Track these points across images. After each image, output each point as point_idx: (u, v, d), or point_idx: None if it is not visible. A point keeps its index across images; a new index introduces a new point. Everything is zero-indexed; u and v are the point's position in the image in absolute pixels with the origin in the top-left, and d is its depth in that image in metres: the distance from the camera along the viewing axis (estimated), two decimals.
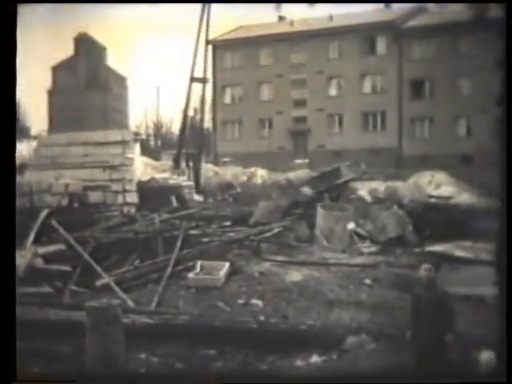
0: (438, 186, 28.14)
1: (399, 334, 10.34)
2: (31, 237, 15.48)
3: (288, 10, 54.55)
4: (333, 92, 57.80)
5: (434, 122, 53.81)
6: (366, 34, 55.55)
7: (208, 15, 30.84)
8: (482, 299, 12.51)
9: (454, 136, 52.99)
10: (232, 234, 17.79)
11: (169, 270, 14.16)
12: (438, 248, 16.60)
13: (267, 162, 43.23)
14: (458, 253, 15.83)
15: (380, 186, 26.09)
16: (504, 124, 9.17)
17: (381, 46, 55.84)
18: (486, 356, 8.62)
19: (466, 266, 15.05)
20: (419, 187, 27.38)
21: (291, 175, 32.97)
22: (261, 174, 35.79)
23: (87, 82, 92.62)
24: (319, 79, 57.36)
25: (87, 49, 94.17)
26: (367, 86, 56.64)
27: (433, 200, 23.85)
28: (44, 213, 16.85)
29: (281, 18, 60.77)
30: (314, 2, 44.33)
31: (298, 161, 51.12)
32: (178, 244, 15.53)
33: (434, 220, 19.52)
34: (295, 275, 14.32)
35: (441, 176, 29.53)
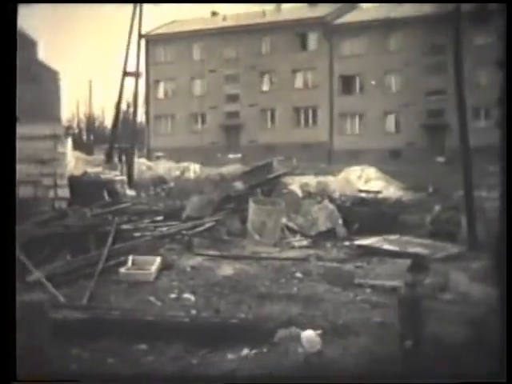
0: (367, 180, 28.62)
1: (330, 326, 10.60)
2: None
3: (221, 5, 54.70)
4: (265, 87, 58.15)
5: (364, 117, 54.62)
6: (297, 30, 56.03)
7: (140, 9, 30.74)
8: None
9: (383, 131, 53.92)
10: (164, 229, 17.82)
11: (100, 265, 14.09)
12: (366, 241, 16.92)
13: (200, 157, 43.25)
14: (386, 246, 16.16)
15: (311, 180, 26.38)
16: (504, 124, 9.18)
17: (312, 42, 56.41)
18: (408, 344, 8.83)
19: (393, 258, 15.36)
20: (349, 182, 27.80)
21: (224, 170, 33.05)
22: (193, 169, 35.79)
23: (18, 76, 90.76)
24: (252, 74, 57.64)
25: (18, 43, 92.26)
26: (299, 82, 57.17)
27: (362, 194, 24.25)
28: None
29: (214, 13, 60.77)
30: (314, 2, 44.60)
31: (231, 155, 51.33)
32: (110, 239, 15.45)
33: (363, 214, 19.94)
34: (227, 269, 14.41)
35: (370, 171, 30.01)
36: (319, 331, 10.03)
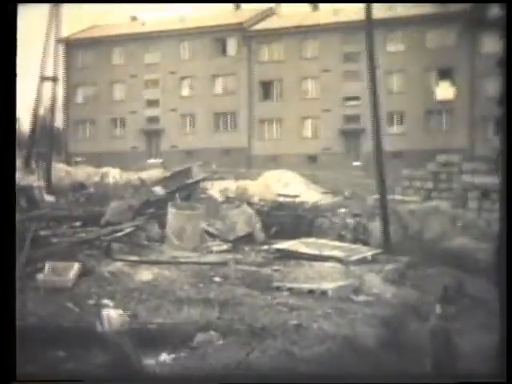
0: (285, 184, 29.00)
1: (247, 329, 10.74)
2: None
3: (141, 10, 54.43)
4: (185, 92, 58.08)
5: (283, 122, 55.19)
6: (216, 36, 56.19)
7: (58, 13, 30.31)
8: (324, 293, 13.11)
9: (300, 136, 54.62)
10: (83, 235, 17.67)
11: (17, 272, 13.90)
12: (284, 245, 17.16)
13: (120, 162, 42.90)
14: (303, 249, 16.41)
15: (231, 185, 26.59)
16: (504, 124, 9.36)
17: (231, 47, 56.68)
18: None
19: (310, 261, 15.63)
20: (268, 186, 28.11)
21: (144, 175, 32.92)
22: (113, 174, 35.50)
23: None
24: (172, 79, 57.54)
25: None
26: (218, 87, 57.30)
27: (281, 199, 24.56)
28: None
29: (133, 18, 60.46)
30: (314, 2, 44.46)
31: (151, 160, 51.08)
32: (27, 245, 15.26)
33: (281, 218, 20.23)
34: (146, 274, 14.41)
35: (288, 175, 30.42)
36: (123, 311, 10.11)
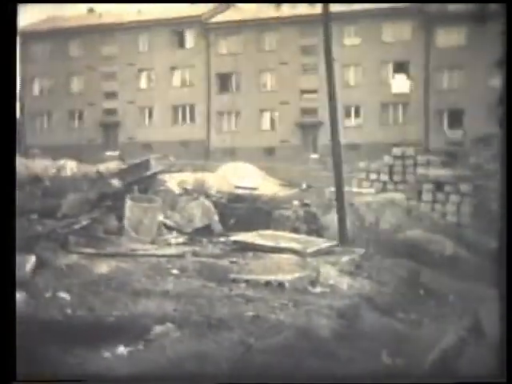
0: (243, 177, 29.06)
1: (204, 321, 10.79)
2: None
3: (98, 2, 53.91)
4: (143, 85, 57.85)
5: (240, 115, 55.29)
6: (174, 28, 56.05)
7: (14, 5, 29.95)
8: (281, 285, 13.21)
9: (258, 129, 54.79)
10: (39, 228, 17.55)
11: None
12: (242, 237, 17.24)
13: (77, 154, 42.60)
14: (260, 241, 16.50)
15: (188, 177, 26.54)
16: (504, 124, 9.24)
17: (189, 40, 56.57)
18: None
19: (267, 253, 15.72)
20: (226, 178, 28.14)
21: (101, 167, 32.67)
22: (70, 167, 35.18)
23: None
24: (130, 72, 57.29)
25: None
26: (177, 80, 57.17)
27: (239, 191, 24.63)
28: None
29: (90, 10, 59.97)
30: (314, 2, 44.41)
31: (109, 153, 50.79)
32: None
33: (239, 210, 20.33)
34: (103, 267, 14.35)
35: (246, 167, 30.48)
36: None
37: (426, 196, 25.59)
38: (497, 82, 52.79)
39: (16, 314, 8.50)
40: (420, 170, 27.73)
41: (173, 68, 56.43)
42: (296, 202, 20.38)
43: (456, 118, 50.46)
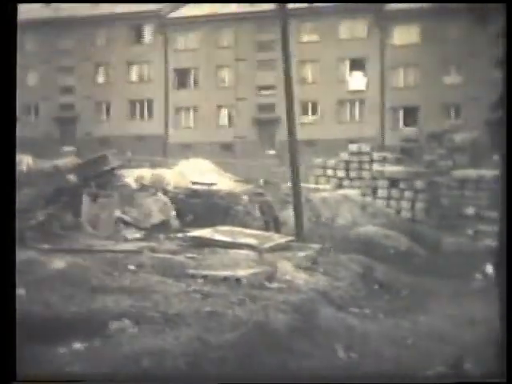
0: (201, 173, 29.02)
1: (161, 317, 10.82)
2: None
3: None
4: (100, 79, 57.40)
5: (198, 111, 55.23)
6: (132, 23, 55.70)
7: None
8: (238, 280, 13.31)
9: (216, 125, 54.79)
10: None
11: None
12: (199, 233, 17.28)
13: (33, 149, 42.10)
14: (218, 237, 16.55)
15: (146, 173, 26.45)
16: (504, 124, 9.19)
17: (147, 35, 56.26)
18: None
19: (224, 249, 15.80)
20: (183, 174, 28.07)
21: (58, 162, 32.36)
22: (27, 162, 34.78)
23: None
24: (87, 66, 56.74)
25: None
26: (134, 75, 56.85)
27: (196, 186, 24.63)
28: None
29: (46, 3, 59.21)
30: (314, 2, 43.67)
31: (65, 148, 50.33)
32: None
33: (196, 206, 20.37)
34: (59, 263, 14.29)
35: (204, 163, 30.44)
36: None
37: (382, 192, 25.91)
38: (450, 79, 53.38)
39: (16, 314, 8.51)
40: (376, 167, 28.06)
41: (130, 63, 56.10)
42: (245, 197, 20.47)
43: (411, 116, 51.08)
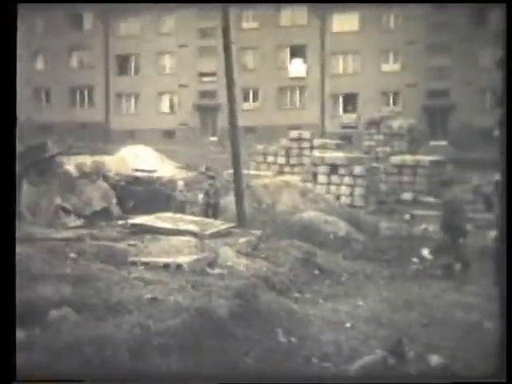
0: (142, 160, 28.90)
1: (102, 304, 10.79)
2: None
3: None
4: (40, 66, 56.53)
5: (140, 97, 54.87)
6: (72, 9, 54.97)
7: None
8: (179, 267, 13.36)
9: (157, 111, 54.52)
10: None
11: None
12: (140, 220, 17.23)
13: None
14: (159, 224, 16.54)
15: (87, 160, 26.21)
16: (504, 124, 9.11)
17: (87, 21, 55.61)
18: None
19: (166, 236, 15.79)
20: (125, 161, 27.90)
21: None
22: None
23: None
24: (27, 53, 55.77)
25: None
26: (75, 61, 56.17)
27: (138, 173, 24.54)
28: None
29: None
30: (314, 2, 43.18)
31: None
32: None
33: (138, 193, 20.32)
34: None
35: (146, 150, 30.31)
36: None
37: (322, 178, 26.18)
38: (389, 66, 54.13)
39: (16, 314, 8.54)
40: (316, 153, 28.33)
41: (71, 49, 55.40)
42: (184, 183, 20.50)
43: (350, 102, 51.67)
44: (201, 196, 20.06)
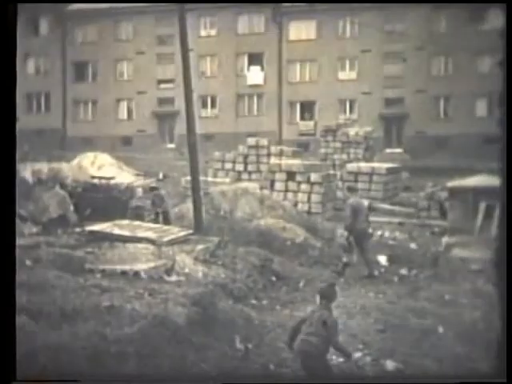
0: (100, 166, 28.84)
1: (58, 312, 10.74)
2: None
3: None
4: None
5: (97, 104, 54.61)
6: (28, 15, 54.47)
7: None
8: (136, 274, 13.36)
9: (115, 118, 54.39)
10: None
11: None
12: (98, 227, 17.15)
13: None
14: (117, 231, 16.49)
15: (43, 166, 26.03)
16: (504, 124, 9.16)
17: (44, 27, 55.19)
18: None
19: (123, 243, 15.74)
20: (82, 168, 27.85)
21: None
22: None
23: None
24: None
25: None
26: (31, 67, 55.67)
27: (95, 180, 24.45)
28: None
29: None
30: (314, 2, 42.83)
31: None
32: None
33: (95, 200, 20.20)
34: None
35: (103, 157, 30.25)
36: None
37: (279, 185, 26.32)
38: (345, 75, 54.40)
39: (16, 314, 8.54)
40: (273, 160, 28.50)
41: (26, 55, 54.86)
42: (142, 190, 20.46)
43: (308, 110, 51.99)
44: (157, 202, 20.05)
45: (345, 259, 16.53)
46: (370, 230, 17.18)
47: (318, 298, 8.87)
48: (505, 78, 9.35)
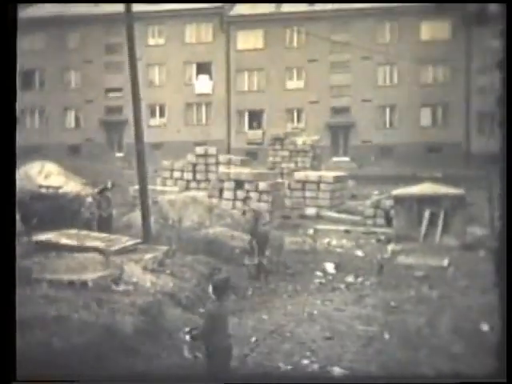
0: (47, 175, 28.52)
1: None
2: None
3: None
4: None
5: (45, 112, 54.14)
6: None
7: None
8: (84, 284, 13.29)
9: (63, 127, 53.89)
10: None
11: None
12: (45, 236, 16.95)
13: None
14: (64, 240, 16.36)
15: None
16: (504, 124, 9.16)
17: None
18: None
19: (71, 253, 15.62)
20: (29, 177, 27.50)
21: None
22: None
23: None
24: None
25: None
26: None
27: (42, 190, 24.18)
28: None
29: None
30: (314, 2, 42.01)
31: None
32: None
33: (42, 209, 19.94)
34: None
35: (50, 166, 29.91)
36: None
37: (227, 194, 26.43)
38: (293, 84, 54.83)
39: (16, 315, 8.51)
40: (222, 169, 28.58)
41: None
42: (90, 199, 20.29)
43: (256, 119, 52.19)
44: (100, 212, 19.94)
45: (247, 261, 16.94)
46: (270, 236, 17.80)
47: (210, 289, 9.04)
48: (505, 78, 9.36)
